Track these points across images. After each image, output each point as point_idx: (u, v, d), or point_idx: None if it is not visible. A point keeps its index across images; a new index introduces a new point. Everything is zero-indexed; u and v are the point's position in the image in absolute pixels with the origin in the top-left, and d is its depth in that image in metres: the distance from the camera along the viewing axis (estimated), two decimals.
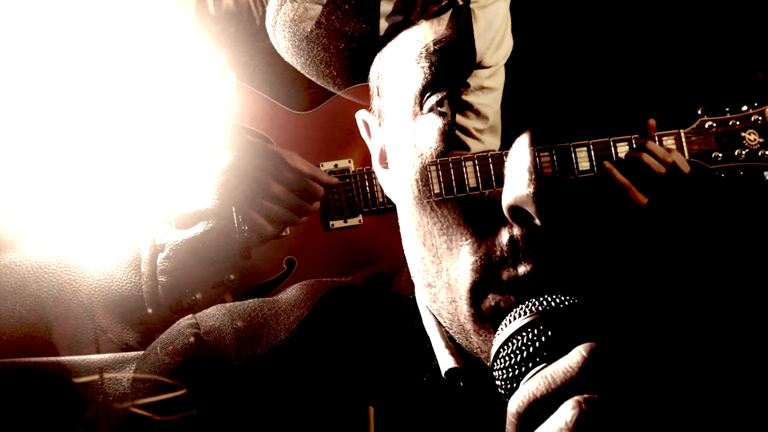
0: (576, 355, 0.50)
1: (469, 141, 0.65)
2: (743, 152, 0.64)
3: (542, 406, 0.50)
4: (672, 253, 0.64)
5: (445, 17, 0.65)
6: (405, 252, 0.74)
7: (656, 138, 0.62)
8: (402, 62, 0.69)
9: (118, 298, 1.26)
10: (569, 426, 0.47)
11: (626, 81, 0.61)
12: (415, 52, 0.66)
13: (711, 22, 0.63)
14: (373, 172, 1.28)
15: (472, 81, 0.64)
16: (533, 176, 0.59)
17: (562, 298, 0.56)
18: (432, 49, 0.64)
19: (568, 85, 0.61)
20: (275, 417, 0.72)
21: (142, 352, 0.83)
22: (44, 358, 1.17)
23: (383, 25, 0.70)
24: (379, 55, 0.74)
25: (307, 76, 0.83)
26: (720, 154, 0.65)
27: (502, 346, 0.56)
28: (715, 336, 0.65)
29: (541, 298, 0.56)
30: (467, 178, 0.63)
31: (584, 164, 0.62)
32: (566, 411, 0.48)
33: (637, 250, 0.63)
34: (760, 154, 0.63)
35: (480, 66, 0.64)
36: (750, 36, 0.64)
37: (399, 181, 0.72)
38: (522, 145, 0.61)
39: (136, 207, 1.30)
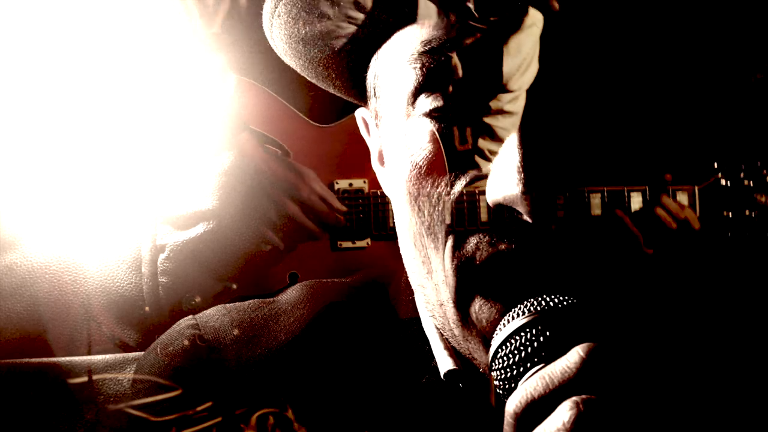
0: (574, 355, 0.50)
1: (482, 163, 0.65)
2: (753, 213, 0.64)
3: (540, 407, 0.50)
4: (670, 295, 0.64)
5: (438, 18, 0.65)
6: (401, 252, 0.75)
7: (670, 191, 0.62)
8: (396, 63, 0.69)
9: (118, 299, 1.26)
10: (567, 427, 0.47)
11: (646, 129, 0.61)
12: (408, 53, 0.66)
13: (737, 77, 0.63)
14: (387, 195, 1.29)
15: (494, 104, 0.64)
16: (522, 175, 0.59)
17: (560, 298, 0.56)
18: (424, 50, 0.64)
19: (586, 125, 0.61)
20: (275, 416, 0.72)
21: (142, 353, 0.83)
22: (45, 359, 1.17)
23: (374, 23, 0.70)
24: (375, 56, 0.74)
25: (307, 78, 0.83)
26: (730, 214, 0.64)
27: (500, 346, 0.56)
28: (711, 336, 0.65)
29: (539, 298, 0.56)
30: (480, 213, 0.63)
31: (596, 210, 0.62)
32: (564, 411, 0.48)
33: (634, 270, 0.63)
34: None
35: (505, 89, 0.64)
36: None
37: (394, 180, 0.72)
38: (511, 143, 0.61)
39: (137, 208, 1.30)
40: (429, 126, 0.65)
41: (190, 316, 0.81)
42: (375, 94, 0.75)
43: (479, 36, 0.63)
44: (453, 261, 0.63)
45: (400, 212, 0.71)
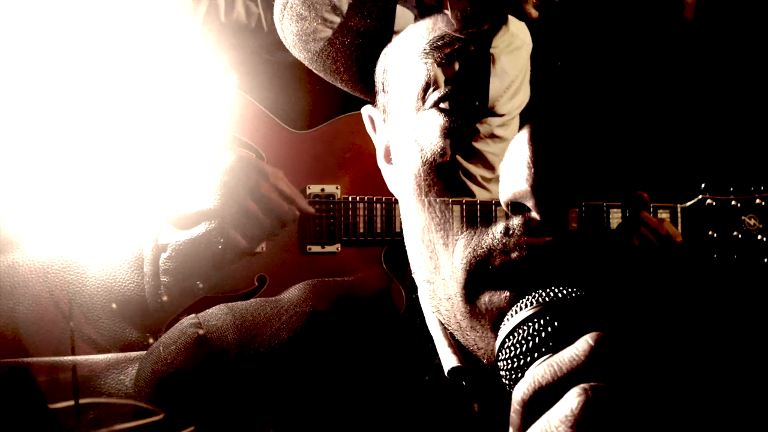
0: (583, 343, 0.50)
1: (474, 188, 0.65)
2: (740, 235, 0.63)
3: (547, 394, 0.50)
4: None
5: (449, 13, 0.65)
6: (407, 248, 0.75)
7: (651, 208, 0.62)
8: (406, 58, 0.69)
9: (120, 298, 1.26)
10: (575, 413, 0.47)
11: (635, 149, 0.61)
12: (419, 48, 0.66)
13: (733, 99, 0.63)
14: (358, 201, 1.28)
15: (482, 128, 0.64)
16: (532, 170, 0.59)
17: (569, 290, 0.56)
18: (435, 45, 0.64)
19: (579, 147, 0.61)
20: (277, 416, 0.72)
21: (143, 352, 0.83)
22: (47, 358, 1.17)
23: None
24: (384, 51, 0.74)
25: (314, 71, 0.83)
26: (715, 234, 0.64)
27: (507, 336, 0.56)
28: (718, 326, 0.66)
29: (548, 290, 0.56)
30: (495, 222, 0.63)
31: (573, 223, 0.62)
32: (572, 398, 0.48)
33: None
34: (759, 238, 0.62)
35: (492, 113, 0.64)
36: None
37: (401, 176, 0.72)
38: (522, 140, 0.61)
39: (139, 207, 1.30)
40: (439, 120, 0.65)
41: (192, 315, 0.82)
42: (383, 90, 0.75)
43: (458, 47, 0.63)
44: (464, 255, 0.64)
45: (408, 208, 0.71)
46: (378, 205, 1.31)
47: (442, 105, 0.65)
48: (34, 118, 1.16)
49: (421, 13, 0.68)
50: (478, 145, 0.64)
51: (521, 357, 0.54)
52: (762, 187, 0.62)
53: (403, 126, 0.71)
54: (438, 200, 0.65)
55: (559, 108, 0.62)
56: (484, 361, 0.66)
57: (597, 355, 0.50)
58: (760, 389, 0.64)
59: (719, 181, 0.66)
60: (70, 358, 1.18)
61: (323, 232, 1.35)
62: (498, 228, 0.62)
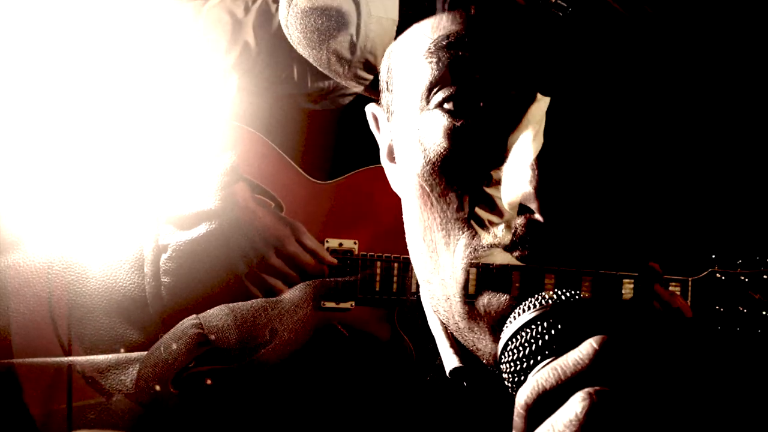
0: (587, 347, 0.50)
1: (481, 232, 0.65)
2: (744, 310, 0.63)
3: (552, 398, 0.50)
4: None
5: (453, 11, 0.65)
6: (408, 247, 0.75)
7: (663, 281, 0.62)
8: (411, 57, 0.69)
9: (121, 299, 1.26)
10: (579, 417, 0.47)
11: (645, 218, 0.61)
12: (424, 47, 0.66)
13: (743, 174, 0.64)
14: (376, 258, 1.27)
15: (495, 174, 0.64)
16: (536, 172, 0.59)
17: (572, 292, 0.56)
18: (440, 44, 0.64)
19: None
20: (278, 416, 0.72)
21: (145, 352, 0.83)
22: (48, 359, 1.17)
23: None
24: (389, 50, 0.74)
25: (319, 68, 0.83)
26: (722, 308, 0.64)
27: (510, 339, 0.56)
28: (723, 330, 0.66)
29: (551, 292, 0.56)
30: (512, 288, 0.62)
31: (586, 293, 0.61)
32: (576, 402, 0.48)
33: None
34: (764, 313, 0.62)
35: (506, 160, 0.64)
36: None
37: (404, 175, 0.72)
38: (526, 141, 0.61)
39: (140, 207, 1.30)
40: (443, 121, 0.65)
41: (194, 316, 0.82)
42: (388, 88, 0.75)
43: (463, 46, 0.63)
44: (464, 255, 0.64)
45: (411, 207, 0.71)
46: (395, 264, 1.28)
47: (446, 105, 0.65)
48: (36, 120, 1.16)
49: (421, 13, 0.68)
50: (489, 190, 0.65)
51: (524, 360, 0.54)
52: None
53: (406, 125, 0.71)
54: (440, 200, 0.65)
55: (564, 111, 0.62)
56: (484, 361, 0.66)
57: (601, 359, 0.49)
58: (761, 393, 0.64)
59: (727, 253, 0.66)
60: (70, 358, 1.18)
61: (339, 287, 1.32)
62: (500, 228, 0.62)
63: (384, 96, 0.77)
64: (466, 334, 0.66)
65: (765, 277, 0.60)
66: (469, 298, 0.64)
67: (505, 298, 0.62)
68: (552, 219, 0.60)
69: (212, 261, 1.31)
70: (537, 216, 0.60)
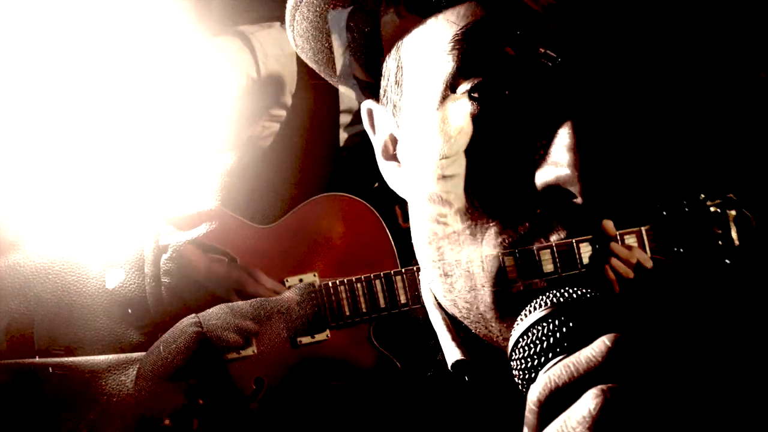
0: (600, 344, 0.50)
1: (435, 227, 0.66)
2: (702, 244, 0.63)
3: (564, 395, 0.50)
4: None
5: (469, 3, 0.65)
6: (415, 246, 0.74)
7: (618, 237, 0.62)
8: (428, 50, 0.68)
9: (121, 299, 1.26)
10: (593, 414, 0.47)
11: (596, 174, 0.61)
12: (443, 41, 0.66)
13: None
14: (339, 284, 1.28)
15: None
16: (577, 156, 0.59)
17: (583, 290, 0.56)
18: (460, 37, 0.64)
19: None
20: (278, 416, 0.72)
21: (144, 353, 0.83)
22: (48, 359, 1.17)
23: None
24: (398, 45, 0.73)
25: (316, 70, 0.83)
26: (681, 249, 0.64)
27: (521, 336, 0.56)
28: (734, 328, 0.65)
29: (563, 290, 0.56)
30: (543, 264, 0.62)
31: (548, 266, 0.61)
32: (589, 399, 0.48)
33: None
34: (719, 243, 0.62)
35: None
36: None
37: (415, 171, 0.72)
38: (565, 127, 0.61)
39: (140, 208, 1.30)
40: (470, 108, 0.65)
41: (193, 315, 0.82)
42: (396, 84, 0.74)
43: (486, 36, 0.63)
44: (497, 243, 0.63)
45: (422, 203, 0.71)
46: (359, 285, 1.29)
47: (473, 94, 0.65)
48: (37, 121, 1.16)
49: (424, 12, 0.68)
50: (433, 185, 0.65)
51: (535, 357, 0.54)
52: (712, 195, 0.63)
53: (421, 121, 0.70)
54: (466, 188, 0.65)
55: (597, 93, 0.62)
56: (508, 352, 0.66)
57: (614, 357, 0.49)
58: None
59: (669, 199, 0.66)
60: (71, 359, 1.18)
61: (310, 321, 1.33)
62: (533, 218, 0.62)
63: (389, 92, 0.76)
64: (492, 324, 0.66)
65: (712, 210, 0.60)
66: (500, 286, 0.64)
67: (538, 284, 0.62)
68: (593, 201, 0.60)
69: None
70: (578, 199, 0.60)
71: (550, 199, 0.61)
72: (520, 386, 0.56)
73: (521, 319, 0.57)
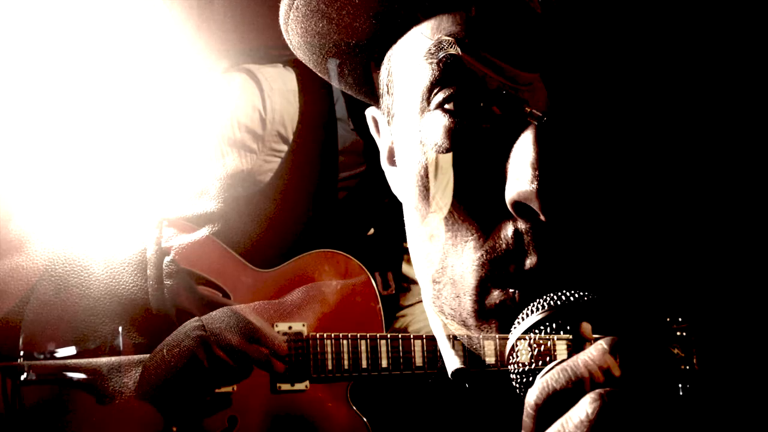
0: (597, 348, 0.50)
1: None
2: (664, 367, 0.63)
3: (562, 399, 0.50)
4: None
5: (453, 13, 0.65)
6: (410, 250, 0.75)
7: (592, 340, 0.61)
8: (411, 59, 0.69)
9: (124, 301, 1.26)
10: (590, 418, 0.47)
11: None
12: (424, 48, 0.66)
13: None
14: (326, 338, 1.32)
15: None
16: (536, 172, 0.59)
17: (580, 293, 0.56)
18: (440, 45, 0.64)
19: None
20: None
21: (147, 355, 0.84)
22: (51, 362, 1.17)
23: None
24: (389, 53, 0.74)
25: (318, 74, 0.83)
26: (642, 367, 0.63)
27: (518, 340, 0.56)
28: (733, 333, 0.66)
29: (558, 293, 0.56)
30: (520, 356, 0.62)
31: (524, 358, 0.60)
32: (587, 403, 0.48)
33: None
34: (683, 367, 0.62)
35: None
36: None
37: (405, 177, 0.72)
38: (526, 140, 0.61)
39: (142, 210, 1.31)
40: (444, 121, 0.65)
41: (196, 318, 0.82)
42: (389, 92, 0.75)
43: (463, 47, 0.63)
44: (476, 257, 0.64)
45: (413, 210, 0.71)
46: (344, 341, 1.33)
47: (446, 106, 0.65)
48: (41, 122, 1.17)
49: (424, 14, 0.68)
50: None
51: (533, 361, 0.54)
52: (679, 319, 0.62)
53: (407, 128, 0.71)
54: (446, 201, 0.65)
55: (565, 109, 0.62)
56: (492, 360, 0.66)
57: (611, 360, 0.50)
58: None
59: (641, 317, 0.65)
60: (74, 360, 1.18)
61: (293, 370, 1.36)
62: (509, 231, 0.62)
63: (384, 99, 0.77)
64: (472, 331, 0.66)
65: (678, 333, 0.60)
66: (480, 296, 0.64)
67: (516, 295, 0.62)
68: (554, 219, 0.59)
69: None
70: (540, 216, 0.60)
71: (518, 215, 0.61)
72: (517, 390, 0.56)
73: (518, 322, 0.57)
